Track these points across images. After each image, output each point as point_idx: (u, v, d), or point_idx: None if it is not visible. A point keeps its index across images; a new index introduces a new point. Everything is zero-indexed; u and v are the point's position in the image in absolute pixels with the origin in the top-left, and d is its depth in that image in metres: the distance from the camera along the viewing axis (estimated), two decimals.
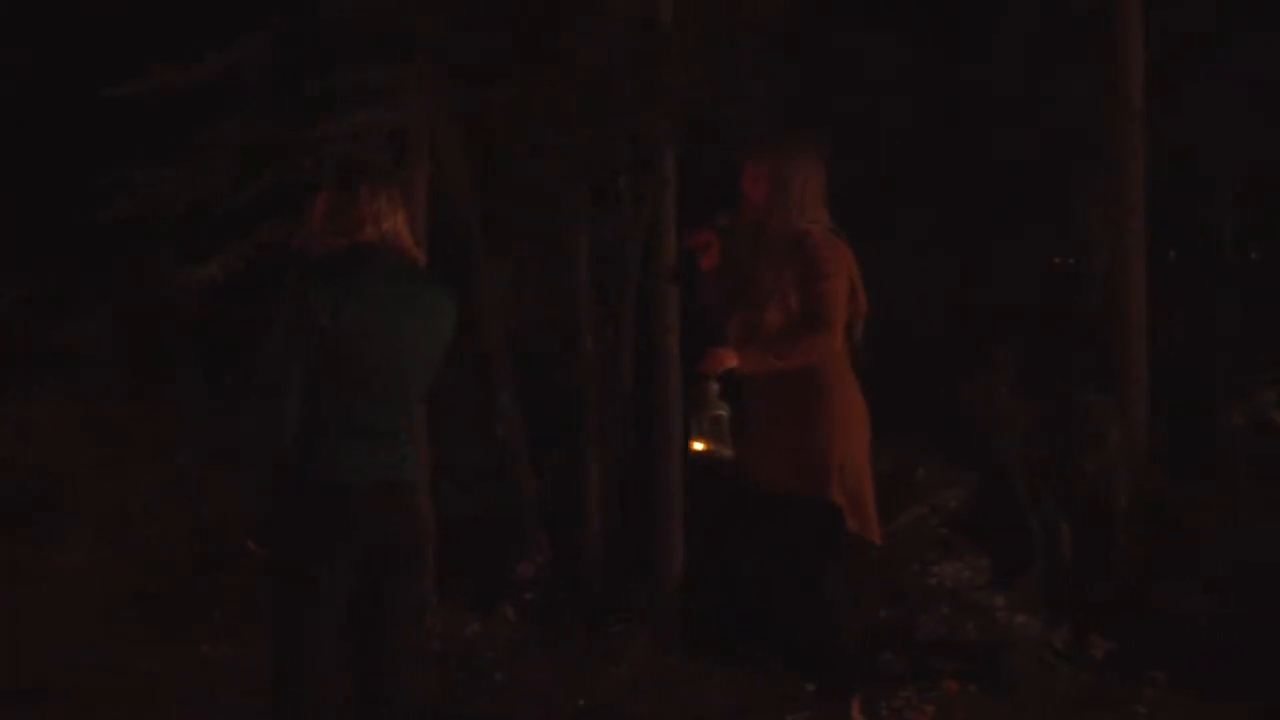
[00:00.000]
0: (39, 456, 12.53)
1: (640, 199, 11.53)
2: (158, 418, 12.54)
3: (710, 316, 6.67)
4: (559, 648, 9.37)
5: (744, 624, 9.75)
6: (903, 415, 12.00)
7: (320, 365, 5.28)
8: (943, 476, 10.13)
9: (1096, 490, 10.88)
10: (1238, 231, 16.95)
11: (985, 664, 8.91)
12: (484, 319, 11.33)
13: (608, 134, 11.50)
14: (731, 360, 6.41)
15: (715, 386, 7.02)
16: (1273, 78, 14.67)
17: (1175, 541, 10.76)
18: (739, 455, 6.59)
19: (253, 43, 10.79)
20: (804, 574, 6.61)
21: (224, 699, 7.37)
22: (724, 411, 7.58)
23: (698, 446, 7.96)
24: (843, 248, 6.53)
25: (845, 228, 6.53)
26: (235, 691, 7.45)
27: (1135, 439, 11.29)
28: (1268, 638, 9.67)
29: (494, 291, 11.41)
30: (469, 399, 11.53)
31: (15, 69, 15.71)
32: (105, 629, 9.00)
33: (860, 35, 14.76)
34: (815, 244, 6.43)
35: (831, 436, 6.42)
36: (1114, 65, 11.86)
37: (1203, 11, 14.21)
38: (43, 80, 15.66)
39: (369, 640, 5.55)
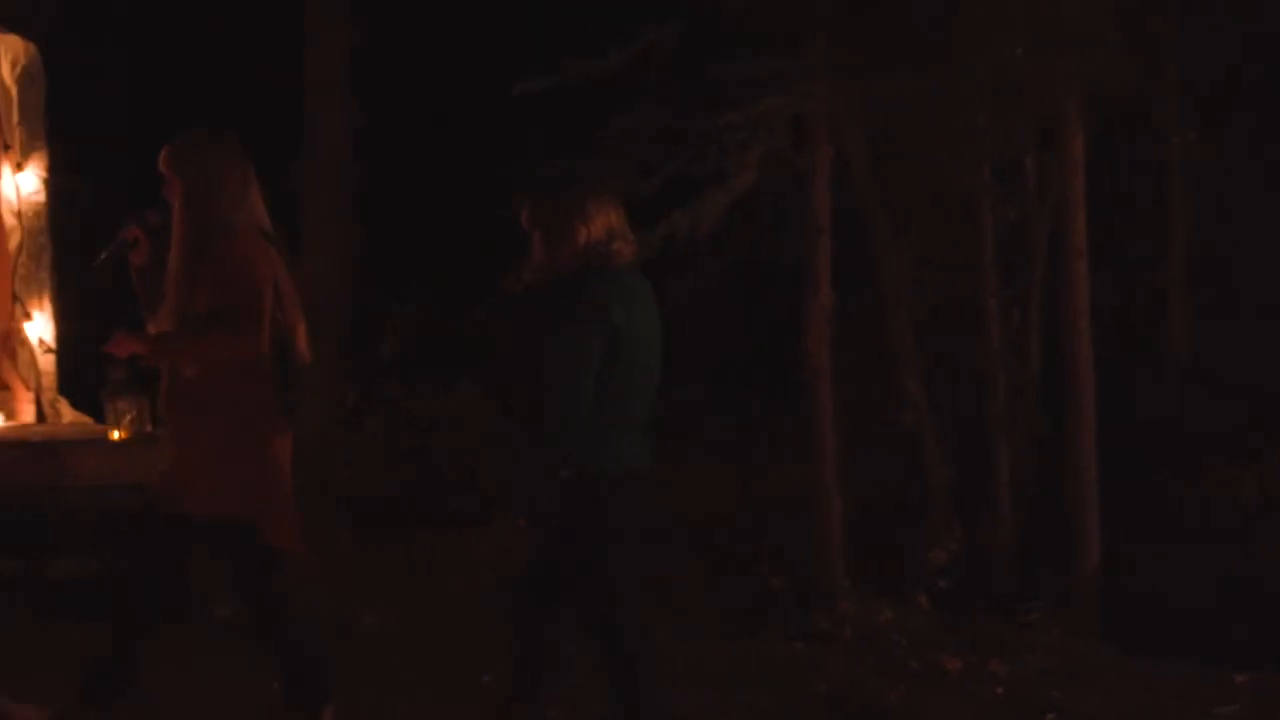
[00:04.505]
0: (455, 446, 12.91)
1: (1046, 178, 11.27)
2: None
3: (145, 312, 6.40)
4: (973, 635, 9.27)
5: (1165, 614, 9.51)
6: None
7: (609, 364, 5.68)
8: None
9: None
10: None
11: None
12: (888, 305, 11.24)
13: (1011, 118, 11.29)
14: (139, 346, 6.16)
15: (121, 374, 6.81)
16: None
17: None
18: (155, 485, 6.37)
19: (661, 34, 10.94)
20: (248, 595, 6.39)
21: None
22: (127, 401, 7.56)
23: (116, 436, 8.08)
24: (265, 251, 6.19)
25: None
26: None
27: None
28: None
29: (897, 277, 11.29)
30: (875, 387, 11.47)
31: (423, 68, 16.18)
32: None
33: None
34: (227, 244, 6.08)
35: (221, 456, 6.12)
36: None
37: None
38: (451, 78, 16.08)
39: None
